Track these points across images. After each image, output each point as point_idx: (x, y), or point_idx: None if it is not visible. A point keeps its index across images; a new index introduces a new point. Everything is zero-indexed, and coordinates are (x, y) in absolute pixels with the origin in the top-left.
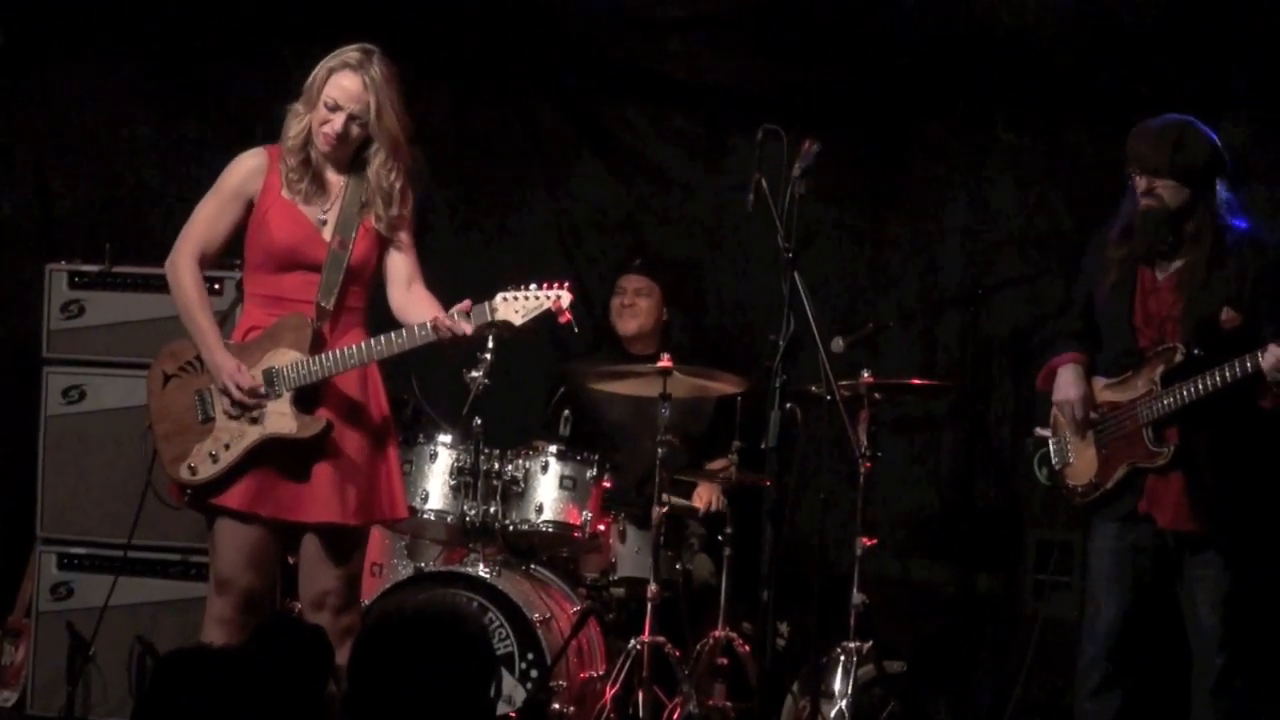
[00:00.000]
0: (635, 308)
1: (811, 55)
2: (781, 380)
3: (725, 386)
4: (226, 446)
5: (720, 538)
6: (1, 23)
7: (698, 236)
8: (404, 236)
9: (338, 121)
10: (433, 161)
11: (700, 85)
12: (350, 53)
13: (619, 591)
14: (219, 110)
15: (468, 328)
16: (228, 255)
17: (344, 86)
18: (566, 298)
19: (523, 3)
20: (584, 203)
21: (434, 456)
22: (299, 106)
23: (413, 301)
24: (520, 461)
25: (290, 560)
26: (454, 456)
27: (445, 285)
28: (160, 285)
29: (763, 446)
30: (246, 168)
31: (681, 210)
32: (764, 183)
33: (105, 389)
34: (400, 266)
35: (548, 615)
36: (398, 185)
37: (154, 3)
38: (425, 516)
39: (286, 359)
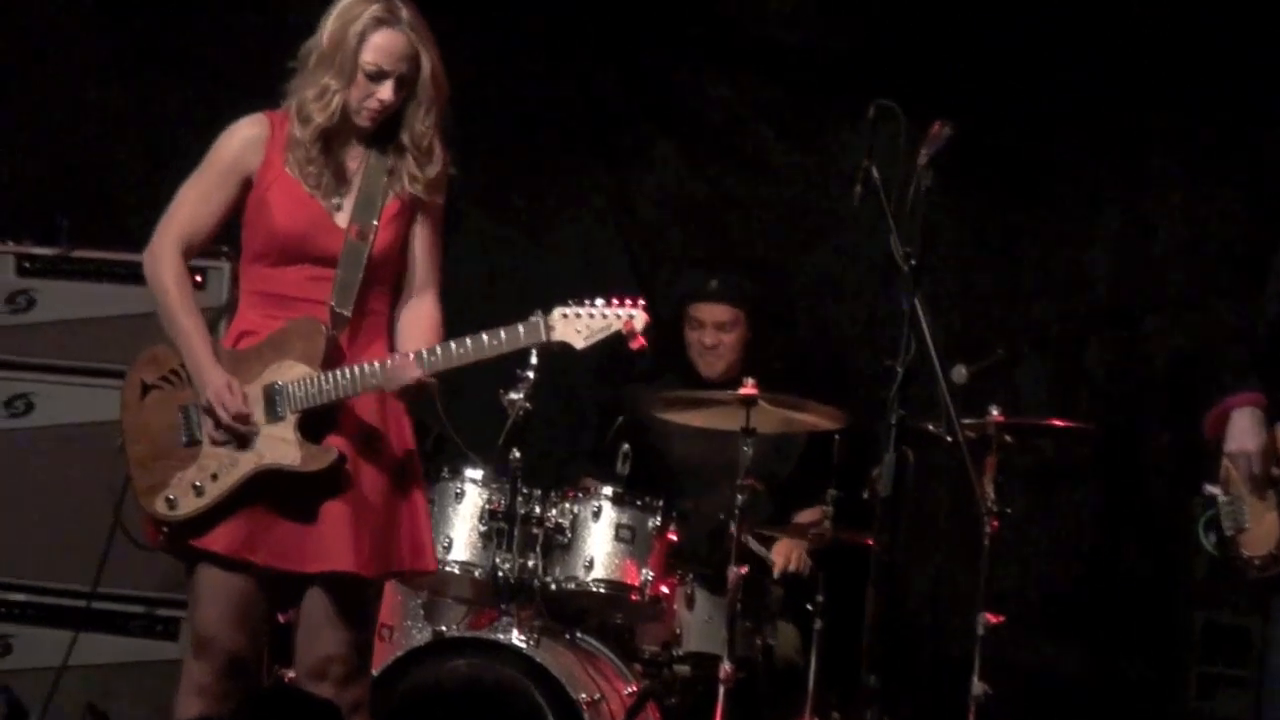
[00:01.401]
0: (719, 348)
1: (932, 19)
2: (899, 415)
3: (819, 420)
4: (214, 477)
5: (810, 607)
6: None
7: (789, 235)
8: (435, 211)
9: (387, 90)
10: (463, 139)
11: (795, 49)
12: (373, 5)
13: (684, 669)
14: (202, 66)
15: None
16: (217, 241)
17: (384, 48)
18: (641, 319)
19: None
20: (651, 190)
21: (460, 496)
22: (330, 80)
23: (410, 319)
24: (567, 505)
25: (281, 619)
26: (485, 497)
27: (480, 291)
28: (129, 274)
29: (865, 496)
30: (242, 138)
31: (769, 202)
32: (875, 171)
33: (58, 399)
34: (417, 263)
35: (597, 696)
36: (436, 142)
37: None
38: (448, 569)
39: (293, 374)
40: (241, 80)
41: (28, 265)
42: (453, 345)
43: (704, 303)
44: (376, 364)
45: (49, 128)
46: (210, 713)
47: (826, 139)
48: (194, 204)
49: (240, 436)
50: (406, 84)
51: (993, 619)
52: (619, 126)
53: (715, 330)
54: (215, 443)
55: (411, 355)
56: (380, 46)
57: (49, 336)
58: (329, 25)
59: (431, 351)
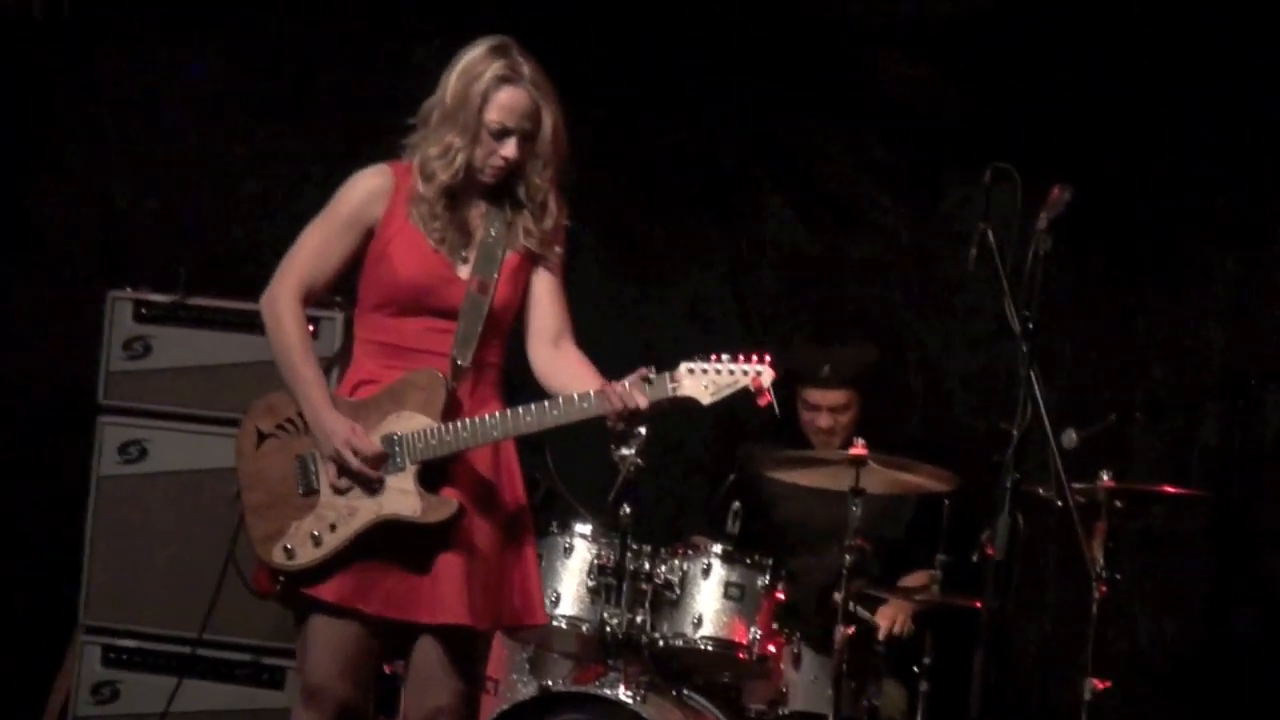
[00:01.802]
0: (835, 430)
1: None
2: (1014, 479)
3: (929, 483)
4: (332, 527)
5: (916, 669)
6: None
7: (899, 295)
8: (555, 262)
9: (511, 148)
10: (582, 192)
11: (913, 111)
12: (495, 63)
13: None
14: (322, 118)
15: (644, 402)
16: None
17: (508, 105)
18: (768, 375)
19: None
20: (766, 248)
21: (569, 551)
22: (453, 138)
23: (563, 364)
24: (676, 562)
25: (387, 670)
26: (594, 552)
27: (594, 343)
28: (243, 322)
29: (974, 559)
30: (367, 189)
31: (883, 262)
32: (990, 234)
33: (171, 446)
34: (547, 311)
35: None
36: (552, 196)
37: None
38: (555, 624)
39: (412, 425)
40: (359, 134)
41: (145, 312)
42: (576, 397)
43: (819, 388)
44: (496, 414)
45: (170, 175)
46: None
47: (941, 201)
48: (315, 252)
49: (365, 483)
50: (529, 140)
51: (1099, 684)
52: (737, 185)
53: (830, 413)
54: (336, 492)
55: (534, 408)
56: (504, 105)
57: (163, 383)
58: (452, 83)
59: (555, 405)
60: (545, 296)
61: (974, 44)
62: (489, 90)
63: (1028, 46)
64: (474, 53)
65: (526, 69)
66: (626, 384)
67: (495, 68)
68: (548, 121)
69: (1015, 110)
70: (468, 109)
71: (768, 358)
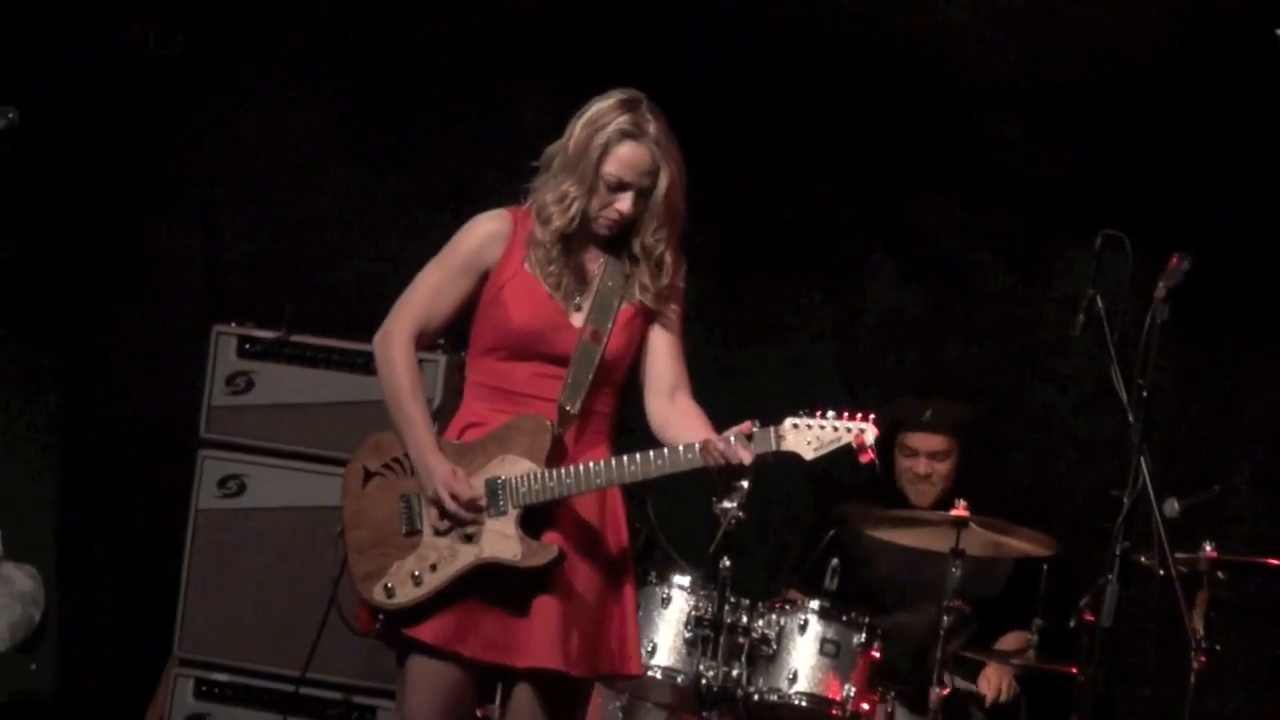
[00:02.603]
0: (932, 477)
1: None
2: (1124, 546)
3: (1029, 546)
4: (433, 568)
5: None
6: (183, 26)
7: (1005, 358)
8: (672, 317)
9: (626, 203)
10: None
11: (1023, 174)
12: (621, 116)
13: None
14: (432, 159)
15: (747, 456)
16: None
17: (627, 161)
18: (871, 433)
19: (809, 61)
20: (870, 305)
21: (667, 601)
22: (570, 186)
23: (678, 417)
24: (774, 617)
25: (479, 714)
26: (692, 604)
27: (696, 395)
28: (345, 361)
29: (1071, 625)
30: (484, 233)
31: (987, 324)
32: (1099, 300)
33: (269, 482)
34: (663, 365)
35: None
36: (669, 254)
37: (365, 26)
38: (651, 674)
39: (517, 469)
40: (465, 179)
41: (249, 347)
42: (681, 449)
43: (918, 432)
44: (601, 463)
45: (281, 213)
46: None
47: (1047, 265)
48: (431, 293)
49: (464, 526)
50: (645, 196)
51: None
52: (841, 243)
53: (929, 460)
54: (438, 533)
55: (639, 457)
56: (623, 159)
57: (264, 419)
58: (577, 131)
59: (659, 454)
60: (661, 350)
61: (1089, 110)
62: (610, 143)
63: (1143, 114)
64: (603, 104)
65: (652, 126)
66: (730, 437)
67: (620, 121)
68: (664, 181)
69: (1128, 177)
70: (587, 159)
71: (872, 416)
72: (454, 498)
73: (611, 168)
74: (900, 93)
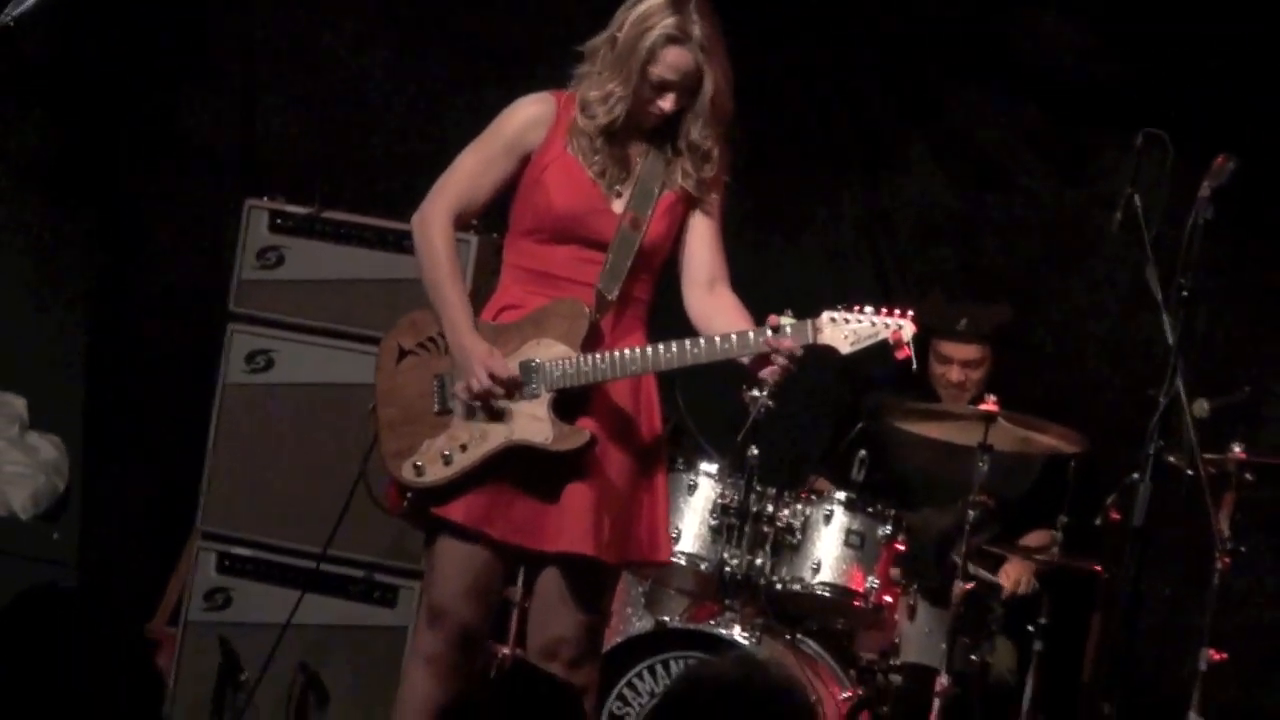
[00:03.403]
0: (965, 384)
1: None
2: (1158, 446)
3: (1059, 443)
4: (463, 448)
5: (1031, 628)
6: None
7: (1040, 256)
8: (713, 206)
9: (669, 102)
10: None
11: (1065, 71)
12: (668, 18)
13: (898, 680)
14: (474, 44)
15: (793, 344)
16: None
17: (674, 65)
18: (909, 329)
19: None
20: (907, 203)
21: (693, 488)
22: (615, 86)
23: (718, 308)
24: (799, 507)
25: (506, 594)
26: (718, 491)
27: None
28: (377, 239)
29: (1097, 523)
30: (527, 115)
31: (1024, 221)
32: (1138, 200)
33: (297, 358)
34: (703, 256)
35: (813, 699)
36: (714, 149)
37: None
38: (675, 560)
39: (552, 353)
40: (504, 60)
41: (280, 222)
42: (718, 339)
43: (953, 341)
44: (636, 350)
45: (316, 90)
46: (439, 683)
47: (1089, 164)
48: (471, 174)
49: (495, 407)
50: (689, 96)
51: (1216, 656)
52: (882, 138)
53: (962, 368)
54: (471, 413)
55: (675, 346)
56: (669, 63)
57: (294, 295)
58: (625, 30)
59: (695, 344)
60: (700, 240)
61: (1133, 7)
62: (656, 46)
63: (1188, 13)
64: (651, 2)
65: (697, 29)
66: (768, 329)
67: (667, 24)
68: (709, 84)
69: (1170, 77)
70: (634, 60)
71: (910, 313)
72: (492, 377)
73: (657, 69)
74: None
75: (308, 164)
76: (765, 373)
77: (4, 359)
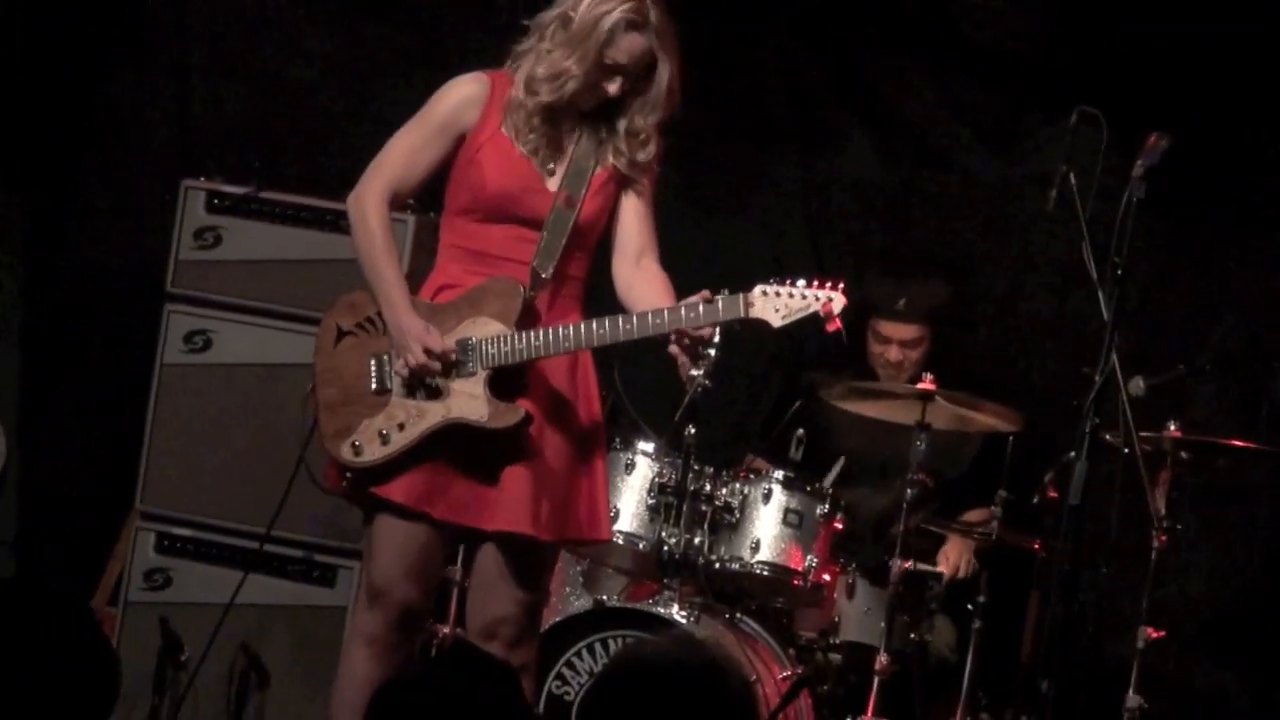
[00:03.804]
0: (904, 364)
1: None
2: (1093, 424)
3: (995, 421)
4: (400, 427)
5: (970, 606)
6: None
7: (975, 233)
8: (645, 185)
9: (615, 85)
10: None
11: (998, 50)
12: (627, 2)
13: (838, 658)
14: (409, 19)
15: (724, 318)
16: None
17: (629, 49)
18: (840, 302)
19: None
20: (842, 180)
21: (630, 467)
22: (570, 64)
23: (643, 281)
24: (737, 485)
25: (447, 574)
26: (655, 470)
27: (666, 265)
28: (315, 219)
29: (1035, 501)
30: (462, 95)
31: (959, 198)
32: (1073, 178)
33: (235, 339)
34: (632, 230)
35: (753, 678)
36: (650, 131)
37: None
38: (613, 539)
39: (487, 330)
40: (439, 38)
41: (217, 202)
42: (650, 315)
43: (892, 321)
44: (570, 326)
45: (254, 68)
46: (379, 663)
47: (1023, 142)
48: (406, 154)
49: (432, 385)
50: (632, 81)
51: (1154, 633)
52: (816, 113)
53: (901, 347)
54: (409, 392)
55: (608, 322)
56: (625, 48)
57: (232, 275)
58: (581, 10)
59: (628, 319)
60: (631, 215)
61: None
62: (616, 29)
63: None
64: None
65: (654, 15)
66: (699, 305)
67: (626, 7)
68: (664, 73)
69: (1103, 54)
70: (590, 42)
71: (840, 285)
72: (428, 352)
73: (611, 52)
74: None
75: (244, 143)
76: (680, 350)
77: None
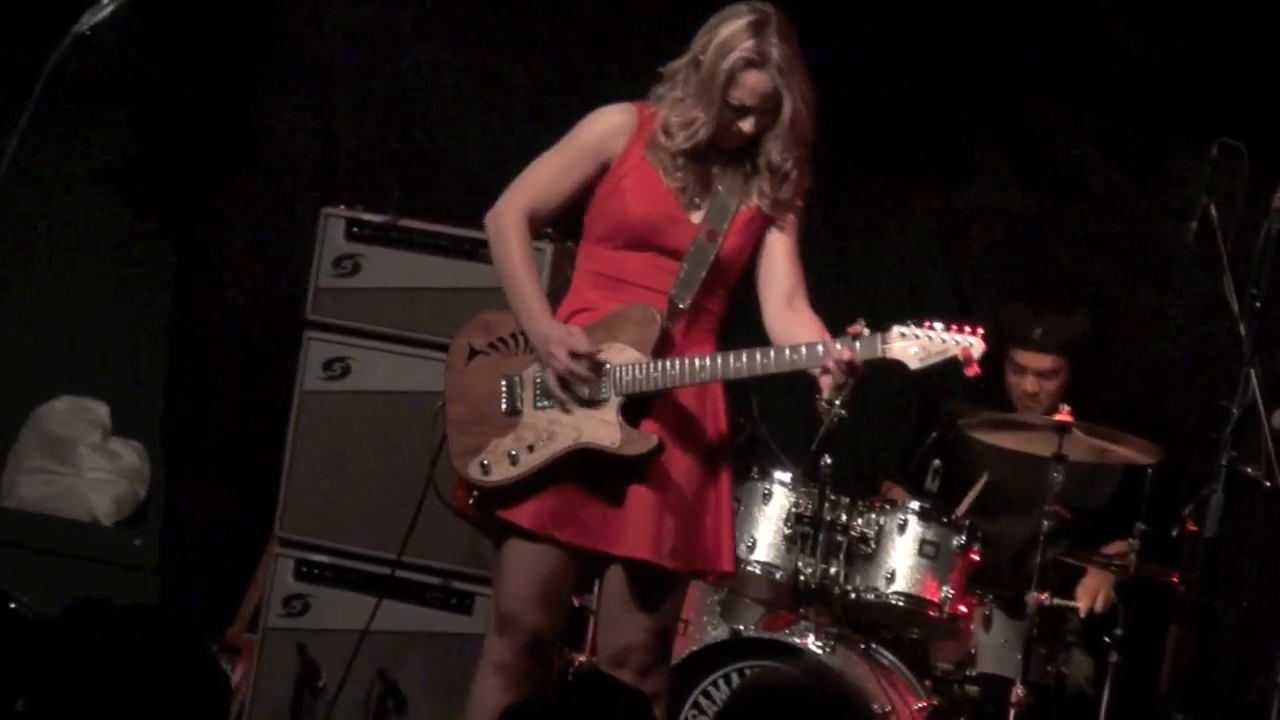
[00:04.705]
0: (1039, 395)
1: None
2: (1231, 457)
3: (1133, 454)
4: (530, 448)
5: (1108, 640)
6: None
7: (1113, 265)
8: (790, 223)
9: (749, 124)
10: None
11: (1141, 82)
12: (747, 42)
13: (974, 690)
14: (548, 50)
15: (856, 360)
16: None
17: (752, 89)
18: (979, 347)
19: None
20: (980, 211)
21: (767, 497)
22: (698, 113)
23: (797, 322)
24: (874, 516)
25: (576, 603)
26: (792, 500)
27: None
28: (452, 248)
29: (1174, 534)
30: (609, 124)
31: (1097, 229)
32: (1213, 210)
33: (373, 366)
34: (781, 270)
35: (888, 709)
36: (794, 171)
37: None
38: (749, 569)
39: (622, 357)
40: (580, 70)
41: (356, 230)
42: (787, 350)
43: (1028, 350)
44: (706, 357)
45: (394, 98)
46: (509, 690)
47: (1163, 172)
48: (548, 177)
49: (578, 392)
50: (767, 118)
51: None
52: (956, 144)
53: (1037, 378)
54: (539, 412)
55: (744, 355)
56: (748, 88)
57: (370, 303)
58: (709, 55)
59: (764, 354)
60: (779, 254)
61: (1210, 12)
62: (735, 70)
63: (1265, 21)
64: (732, 26)
65: (776, 51)
66: (838, 343)
67: (746, 48)
68: (788, 107)
69: (1246, 87)
70: (714, 84)
71: (980, 331)
72: (573, 354)
73: (736, 92)
74: None
75: (384, 172)
76: (828, 384)
77: (86, 365)
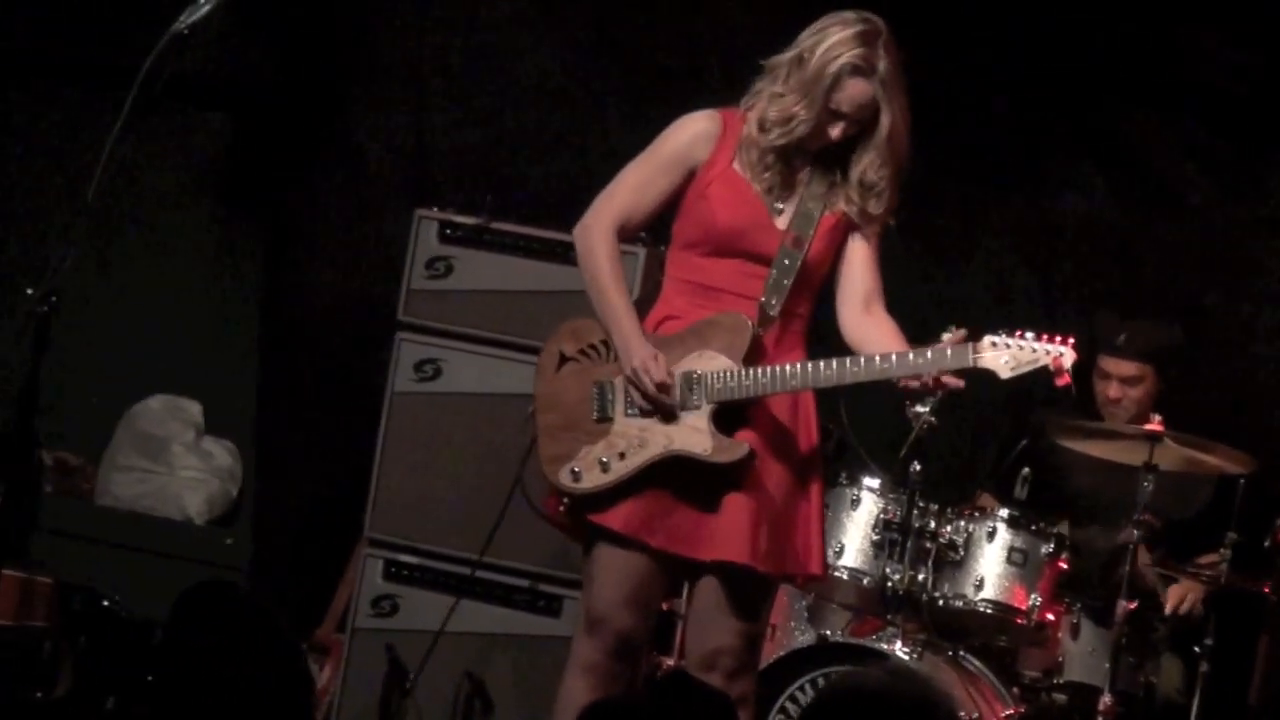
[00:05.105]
0: (1123, 402)
1: None
2: None
3: (1225, 464)
4: (621, 456)
5: (1198, 649)
6: None
7: (1207, 275)
8: (874, 233)
9: (836, 131)
10: None
11: (1234, 92)
12: (856, 49)
13: (1062, 698)
14: (640, 54)
15: (956, 382)
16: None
17: (853, 97)
18: (1070, 356)
19: None
20: (1071, 221)
21: (856, 503)
22: (799, 110)
23: (874, 326)
24: (962, 523)
25: (665, 607)
26: (881, 506)
27: (892, 307)
28: (544, 251)
29: (1265, 544)
30: (694, 131)
31: (1189, 240)
32: None
33: (465, 367)
34: (859, 277)
35: (975, 716)
36: (888, 190)
37: None
38: (837, 574)
39: (714, 365)
40: (669, 74)
41: (449, 233)
42: (878, 359)
43: (1112, 356)
44: (797, 365)
45: (487, 102)
46: (597, 692)
47: (1256, 184)
48: (636, 187)
49: (661, 410)
50: (855, 128)
51: None
52: (1048, 155)
53: (1121, 384)
54: (631, 420)
55: (835, 363)
56: (850, 95)
57: (462, 305)
58: (815, 58)
59: (855, 362)
60: (859, 261)
61: None
62: (840, 75)
63: None
64: (842, 32)
65: (882, 64)
66: (927, 352)
67: (853, 54)
68: (885, 121)
69: None
70: (819, 86)
71: (1071, 340)
72: (649, 378)
73: (837, 97)
74: (1116, 6)
75: (477, 175)
76: (919, 389)
77: (181, 365)
